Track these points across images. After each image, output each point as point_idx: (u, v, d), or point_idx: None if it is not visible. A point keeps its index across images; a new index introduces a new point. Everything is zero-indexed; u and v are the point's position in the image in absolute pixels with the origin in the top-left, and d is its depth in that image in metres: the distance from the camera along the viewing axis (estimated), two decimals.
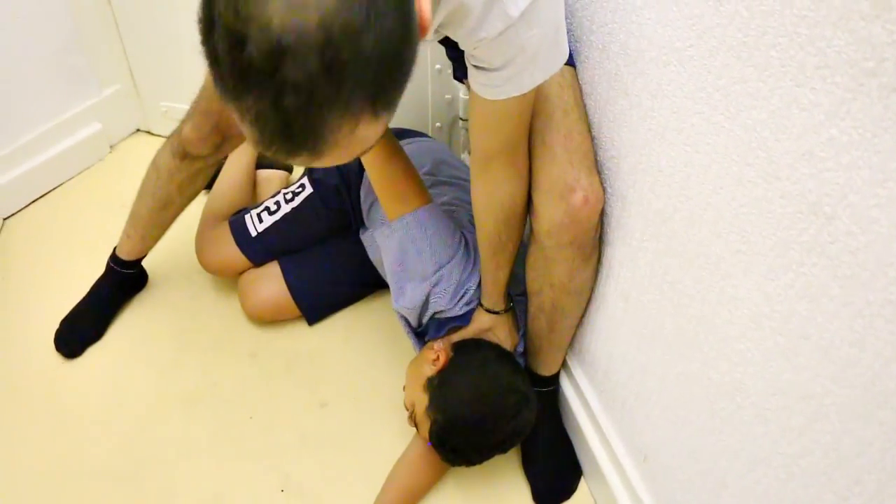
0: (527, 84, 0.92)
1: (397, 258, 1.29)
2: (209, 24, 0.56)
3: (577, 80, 1.14)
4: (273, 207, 1.57)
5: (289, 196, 1.57)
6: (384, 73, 0.59)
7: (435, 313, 1.30)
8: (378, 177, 1.24)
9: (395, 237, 1.27)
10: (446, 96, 1.77)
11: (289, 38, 0.53)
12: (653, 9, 0.90)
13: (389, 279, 1.33)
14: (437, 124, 1.83)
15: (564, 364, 1.38)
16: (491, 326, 1.28)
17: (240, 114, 0.59)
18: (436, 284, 1.26)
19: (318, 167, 1.05)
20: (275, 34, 0.53)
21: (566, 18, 1.14)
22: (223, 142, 1.30)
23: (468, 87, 0.99)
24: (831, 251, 0.67)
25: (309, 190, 1.56)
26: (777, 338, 0.77)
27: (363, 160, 1.23)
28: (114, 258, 1.57)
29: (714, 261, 0.86)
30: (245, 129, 0.61)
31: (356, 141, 0.63)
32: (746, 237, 0.79)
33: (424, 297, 1.27)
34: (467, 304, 1.29)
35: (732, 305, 0.84)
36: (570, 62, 1.14)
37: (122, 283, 1.61)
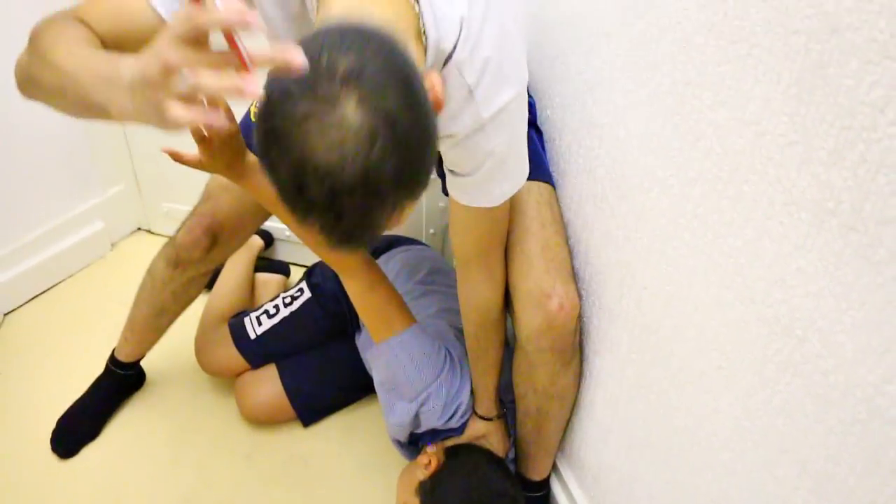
0: (497, 197, 1.00)
1: (386, 378, 1.32)
2: (271, 165, 0.62)
3: (556, 198, 1.21)
4: (272, 311, 1.61)
5: (287, 300, 1.61)
6: (417, 177, 0.65)
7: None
8: (361, 304, 1.26)
9: (382, 359, 1.30)
10: (440, 204, 1.85)
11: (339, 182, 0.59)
12: (636, 138, 0.97)
13: (380, 396, 1.37)
14: (431, 231, 1.90)
15: (555, 468, 1.40)
16: (485, 433, 1.31)
17: (309, 227, 0.65)
18: (424, 403, 1.28)
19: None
20: (327, 181, 0.59)
21: (554, 140, 1.23)
22: (213, 246, 1.32)
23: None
24: (804, 371, 0.72)
25: (307, 294, 1.60)
26: (758, 450, 0.81)
27: (346, 288, 1.25)
28: (112, 359, 1.59)
29: (697, 375, 0.90)
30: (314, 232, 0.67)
31: (404, 216, 0.69)
32: (726, 354, 0.84)
33: (413, 416, 1.30)
34: (462, 416, 1.31)
35: (715, 418, 0.88)
36: (550, 181, 1.22)
37: (119, 384, 1.63)
